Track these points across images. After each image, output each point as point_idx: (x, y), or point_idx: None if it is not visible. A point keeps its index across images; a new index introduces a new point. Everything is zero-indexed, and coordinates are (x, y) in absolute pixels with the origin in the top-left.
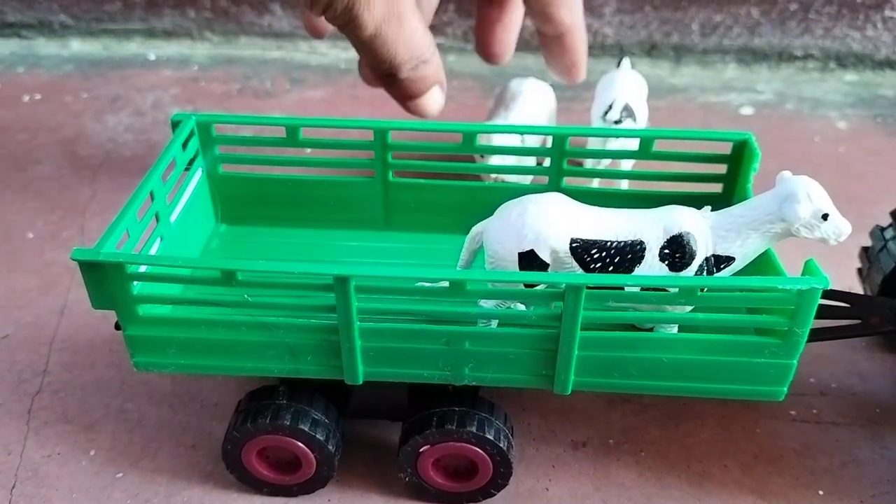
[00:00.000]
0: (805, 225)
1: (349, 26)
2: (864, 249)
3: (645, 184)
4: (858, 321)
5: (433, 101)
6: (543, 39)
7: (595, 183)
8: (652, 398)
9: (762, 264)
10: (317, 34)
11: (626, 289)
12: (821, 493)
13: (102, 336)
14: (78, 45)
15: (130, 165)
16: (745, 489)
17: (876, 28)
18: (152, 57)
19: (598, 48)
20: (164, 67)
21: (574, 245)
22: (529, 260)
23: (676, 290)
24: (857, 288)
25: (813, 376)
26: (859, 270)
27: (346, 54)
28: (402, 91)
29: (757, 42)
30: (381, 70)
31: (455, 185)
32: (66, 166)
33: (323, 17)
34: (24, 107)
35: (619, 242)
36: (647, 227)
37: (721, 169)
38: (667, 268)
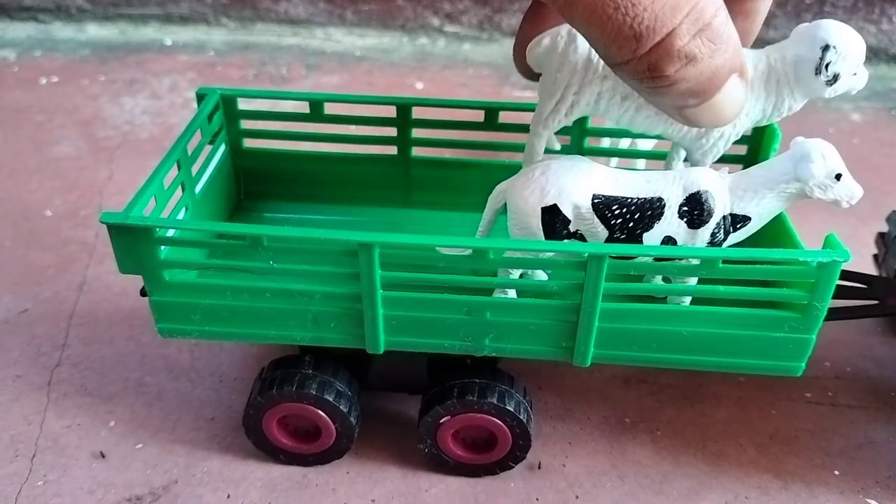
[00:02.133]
0: (819, 185)
1: None
2: (881, 235)
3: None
4: (875, 302)
5: (731, 98)
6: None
7: (614, 162)
8: (668, 378)
9: (780, 238)
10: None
11: (639, 258)
12: (836, 473)
13: (121, 311)
14: (94, 30)
15: (148, 147)
16: (761, 468)
17: (892, 21)
18: (169, 42)
19: None
20: (181, 52)
21: (596, 201)
22: (552, 214)
23: (697, 261)
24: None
25: (828, 360)
26: (875, 256)
27: (361, 42)
28: (678, 87)
29: (772, 34)
30: (626, 49)
31: (477, 162)
32: (84, 147)
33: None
34: (41, 89)
35: (640, 199)
36: (667, 186)
37: (741, 150)
38: (685, 225)
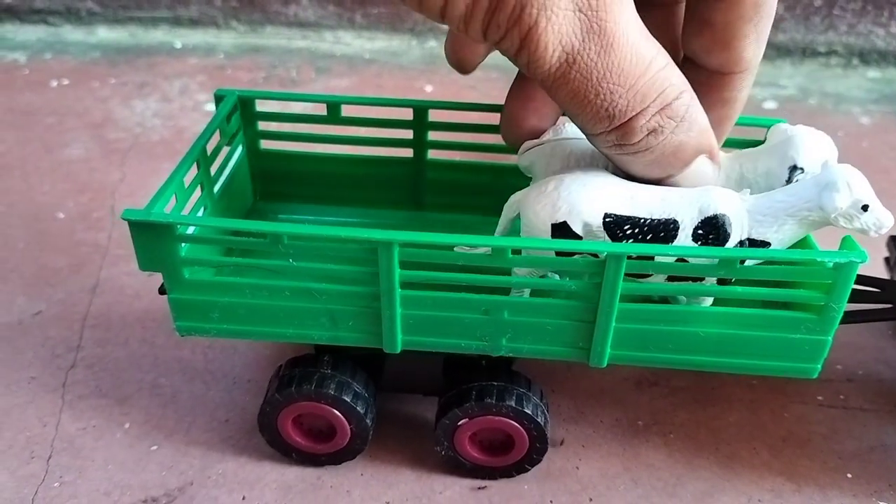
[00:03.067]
0: (843, 215)
1: (522, 52)
2: (892, 239)
3: None
4: (889, 305)
5: (699, 175)
6: (696, 73)
7: None
8: (680, 381)
9: (797, 244)
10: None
11: (658, 259)
12: (849, 476)
13: (135, 313)
14: (105, 33)
15: (159, 150)
16: (774, 471)
17: None
18: (178, 45)
19: None
20: (191, 55)
21: (607, 220)
22: (562, 232)
23: (715, 261)
24: (886, 277)
25: (840, 363)
26: (887, 259)
27: (370, 45)
28: (644, 156)
29: (780, 37)
30: (600, 125)
31: (493, 165)
32: (95, 149)
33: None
34: (52, 91)
35: (653, 220)
36: (683, 207)
37: None
38: None
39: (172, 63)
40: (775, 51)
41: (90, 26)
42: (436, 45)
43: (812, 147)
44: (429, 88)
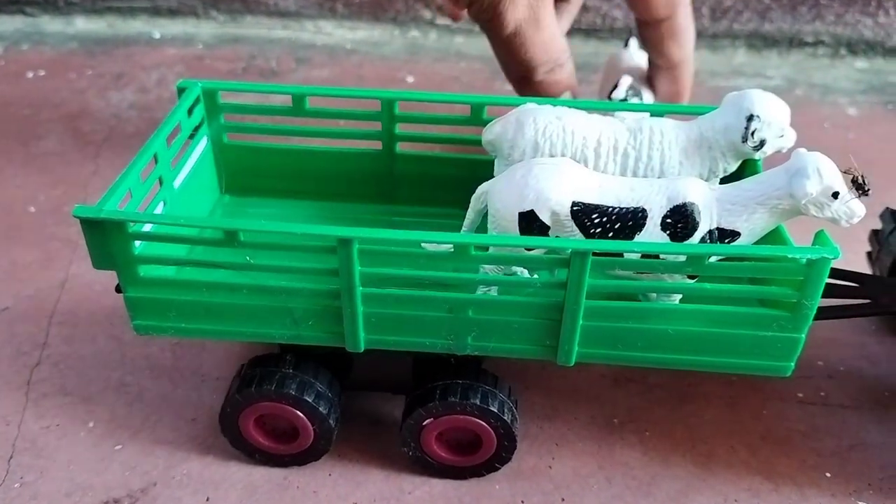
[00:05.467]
0: (814, 202)
1: (492, 23)
2: (874, 232)
3: None
4: (868, 301)
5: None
6: (653, 69)
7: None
8: (657, 378)
9: (769, 234)
10: (456, 17)
11: (627, 256)
12: (828, 475)
13: (103, 310)
14: (83, 23)
15: (134, 142)
16: (752, 470)
17: (888, 15)
18: (157, 35)
19: (608, 31)
20: (169, 46)
21: (575, 209)
22: (529, 221)
23: (683, 258)
24: (868, 271)
25: (821, 359)
26: (869, 254)
27: (351, 35)
28: (535, 93)
29: (767, 27)
30: (517, 71)
31: (462, 158)
32: (70, 142)
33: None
34: (28, 83)
35: (621, 209)
36: (651, 195)
37: None
38: (668, 238)
39: (150, 53)
40: (762, 41)
41: (68, 17)
42: (418, 36)
43: (766, 99)
44: (410, 79)
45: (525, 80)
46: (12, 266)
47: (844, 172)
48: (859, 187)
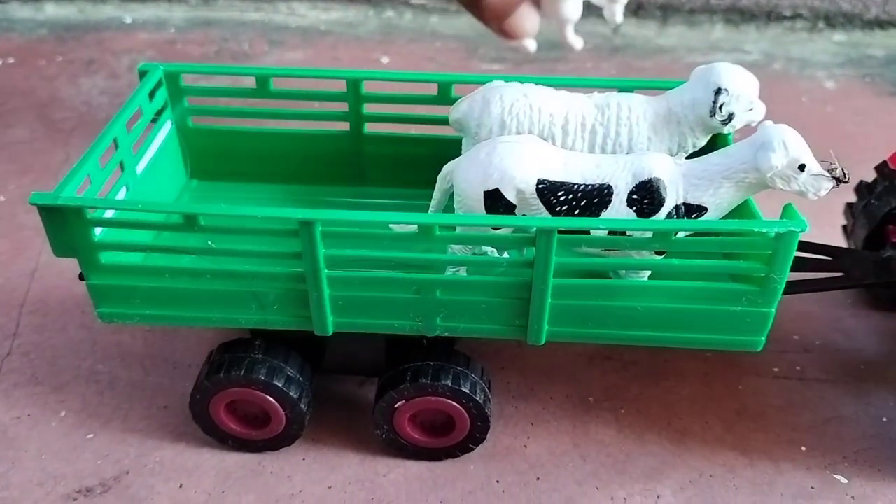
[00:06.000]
0: (780, 175)
1: None
2: (849, 206)
3: None
4: (841, 274)
5: (525, 20)
6: None
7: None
8: (633, 356)
9: (738, 208)
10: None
11: (594, 233)
12: (804, 448)
13: (74, 298)
14: (53, 9)
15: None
16: (727, 446)
17: None
18: (128, 20)
19: (584, 8)
20: (141, 30)
21: (540, 186)
22: (494, 199)
23: (649, 234)
24: (843, 245)
25: (796, 333)
26: (844, 227)
27: (325, 16)
28: (492, 11)
29: (745, 2)
30: None
31: (431, 137)
32: (40, 129)
33: None
34: None
35: (587, 185)
36: (617, 172)
37: None
38: (634, 214)
39: (121, 38)
40: (739, 15)
41: (38, 3)
42: (393, 16)
43: (734, 72)
44: (385, 60)
45: None
46: None
47: (827, 169)
48: (839, 180)
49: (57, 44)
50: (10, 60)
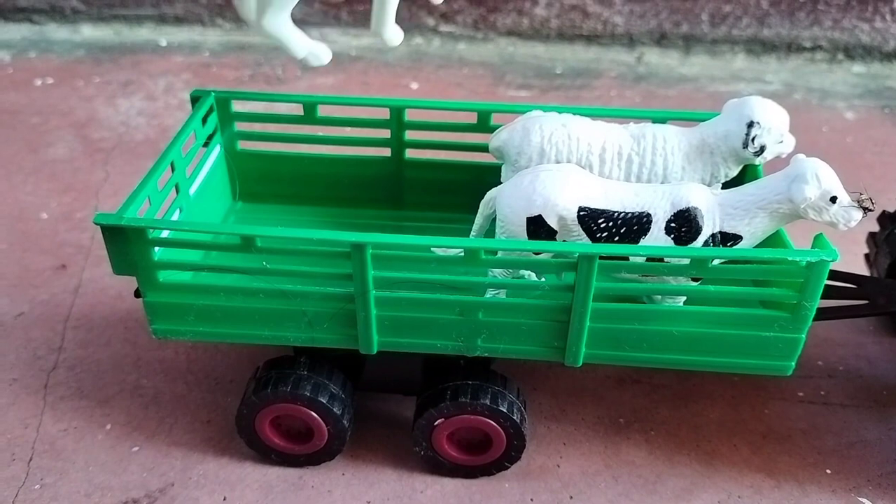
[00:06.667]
0: (812, 207)
1: None
2: (871, 235)
3: None
4: (866, 302)
5: None
6: None
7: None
8: (662, 379)
9: (772, 244)
10: None
11: (633, 259)
12: (828, 471)
13: (117, 314)
14: (89, 31)
15: (143, 149)
16: (754, 468)
17: (885, 20)
18: (164, 43)
19: (608, 37)
20: (176, 53)
21: (582, 213)
22: (537, 225)
23: (687, 261)
24: (866, 273)
25: (821, 359)
26: (867, 256)
27: (356, 42)
28: None
29: (766, 33)
30: None
31: (469, 164)
32: (79, 149)
33: None
34: (36, 91)
35: (626, 213)
36: (656, 200)
37: None
38: (672, 241)
39: (157, 61)
40: (760, 46)
41: (75, 25)
42: (421, 42)
43: (766, 105)
44: (415, 86)
45: None
46: (26, 272)
47: (857, 201)
48: (866, 209)
49: (94, 65)
50: (49, 81)
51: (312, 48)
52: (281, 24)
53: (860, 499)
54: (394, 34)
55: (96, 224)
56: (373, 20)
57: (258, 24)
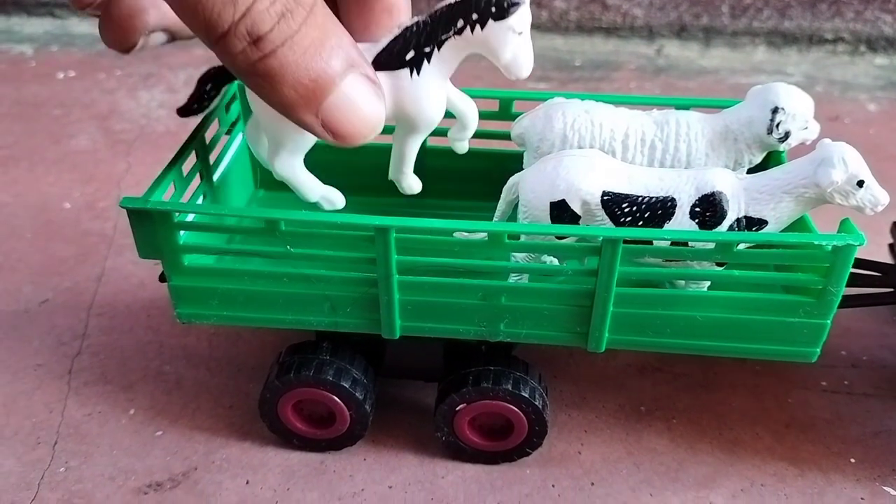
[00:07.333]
0: (839, 191)
1: None
2: (895, 224)
3: None
4: (891, 290)
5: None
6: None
7: None
8: (683, 367)
9: (794, 223)
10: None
11: (657, 243)
12: (853, 460)
13: (140, 302)
14: None
15: (164, 140)
16: (777, 456)
17: None
18: None
19: (628, 29)
20: (196, 46)
21: (605, 198)
22: (560, 210)
23: (712, 245)
24: (890, 262)
25: (844, 349)
26: (891, 245)
27: None
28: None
29: (787, 25)
30: (226, 15)
31: (491, 151)
32: (101, 140)
33: None
34: (58, 83)
35: (651, 198)
36: (680, 185)
37: None
38: (696, 226)
39: (178, 54)
40: (781, 38)
41: (96, 20)
42: None
43: (790, 92)
44: None
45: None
46: (50, 260)
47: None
48: None
49: (115, 58)
50: (72, 73)
51: (325, 193)
52: (293, 168)
53: (885, 488)
54: (412, 183)
55: (122, 207)
56: (392, 168)
57: (271, 166)
